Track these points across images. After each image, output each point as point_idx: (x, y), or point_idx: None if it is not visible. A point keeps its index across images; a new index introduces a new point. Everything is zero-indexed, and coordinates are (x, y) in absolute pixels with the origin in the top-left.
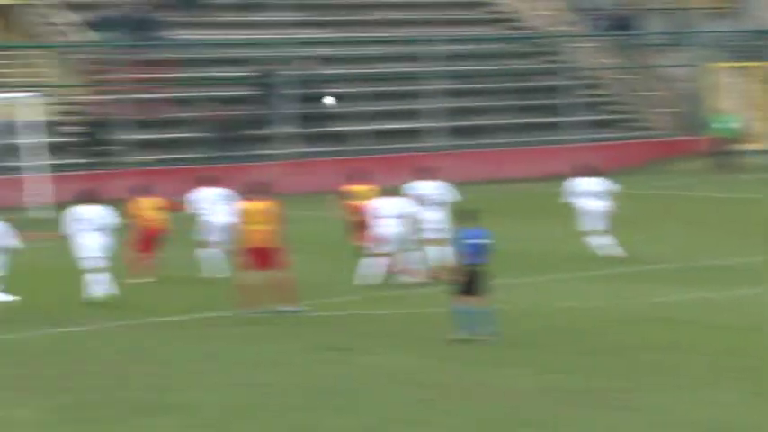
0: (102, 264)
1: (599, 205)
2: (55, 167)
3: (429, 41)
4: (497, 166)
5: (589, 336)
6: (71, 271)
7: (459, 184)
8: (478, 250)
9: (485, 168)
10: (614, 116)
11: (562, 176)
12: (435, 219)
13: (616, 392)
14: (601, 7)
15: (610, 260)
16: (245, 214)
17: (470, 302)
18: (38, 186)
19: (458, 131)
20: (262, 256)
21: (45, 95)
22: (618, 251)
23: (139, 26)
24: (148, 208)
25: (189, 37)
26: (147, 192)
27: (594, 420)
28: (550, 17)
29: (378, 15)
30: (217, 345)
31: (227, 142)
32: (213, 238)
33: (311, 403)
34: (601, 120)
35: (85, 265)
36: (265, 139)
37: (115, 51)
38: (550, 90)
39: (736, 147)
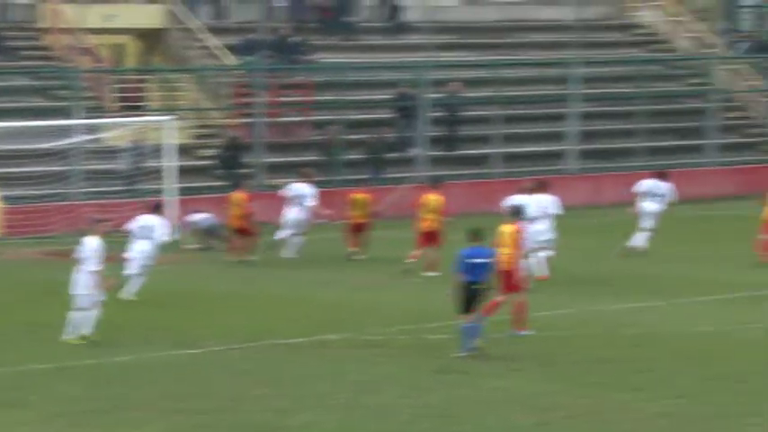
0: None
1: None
2: (189, 190)
3: (568, 64)
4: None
5: (712, 360)
6: (193, 293)
7: (595, 207)
8: (479, 269)
9: (619, 190)
10: (755, 139)
11: (701, 200)
12: (539, 230)
13: (735, 418)
14: (743, 30)
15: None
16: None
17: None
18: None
19: (596, 154)
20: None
21: (182, 119)
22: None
23: (282, 50)
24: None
25: (330, 60)
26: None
27: None
28: (693, 39)
29: (520, 38)
30: (334, 366)
31: (370, 164)
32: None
33: (432, 426)
34: (741, 142)
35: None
36: (404, 162)
37: (255, 75)
38: (691, 112)
39: None
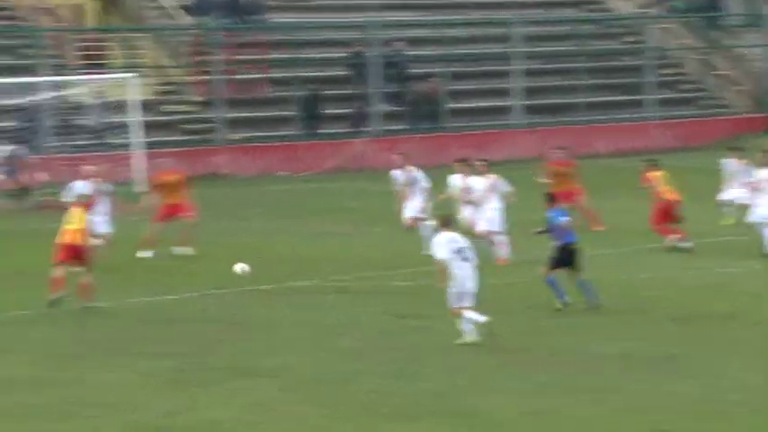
0: None
1: None
2: (154, 144)
3: (509, 23)
4: (579, 141)
5: (659, 305)
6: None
7: (542, 159)
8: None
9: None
10: (691, 94)
11: (642, 152)
12: None
13: (676, 359)
14: None
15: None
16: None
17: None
18: (134, 163)
19: (542, 109)
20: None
21: (143, 76)
22: None
23: (235, 10)
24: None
25: (282, 20)
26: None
27: (654, 386)
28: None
29: None
30: (303, 311)
31: (316, 120)
32: None
33: (391, 369)
34: (679, 98)
35: None
36: (356, 117)
37: (211, 34)
38: (631, 69)
39: None
